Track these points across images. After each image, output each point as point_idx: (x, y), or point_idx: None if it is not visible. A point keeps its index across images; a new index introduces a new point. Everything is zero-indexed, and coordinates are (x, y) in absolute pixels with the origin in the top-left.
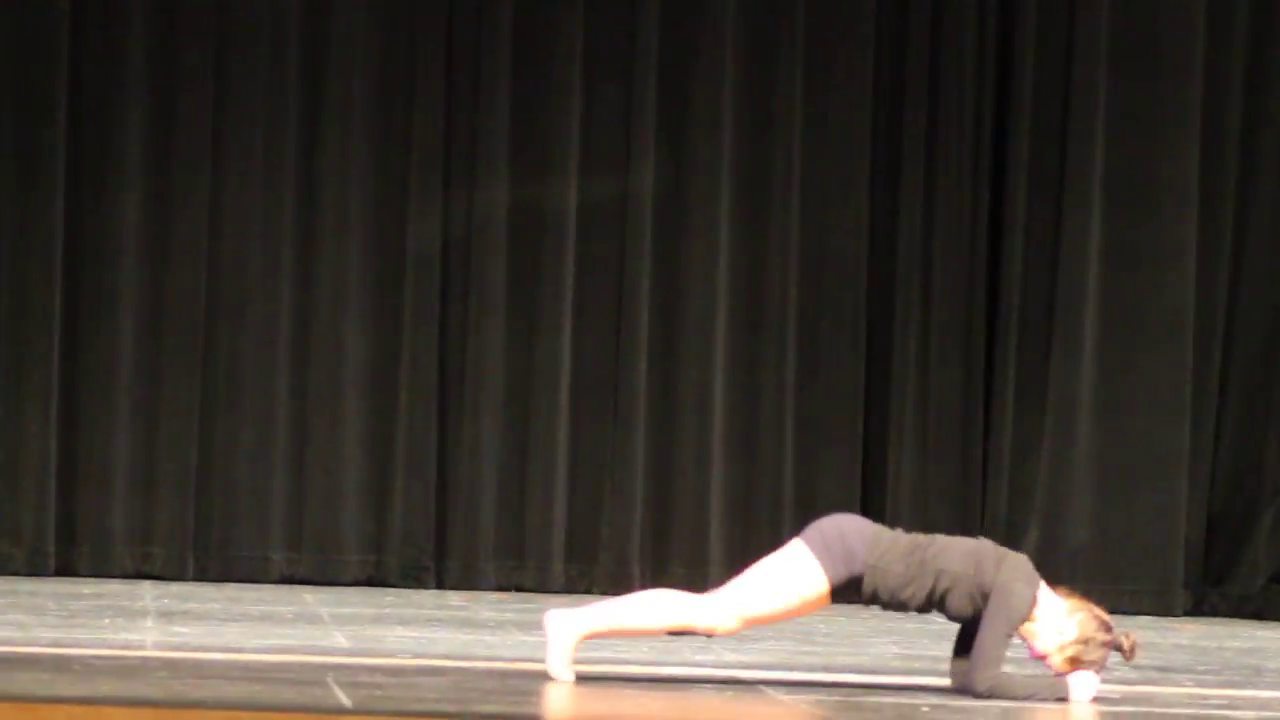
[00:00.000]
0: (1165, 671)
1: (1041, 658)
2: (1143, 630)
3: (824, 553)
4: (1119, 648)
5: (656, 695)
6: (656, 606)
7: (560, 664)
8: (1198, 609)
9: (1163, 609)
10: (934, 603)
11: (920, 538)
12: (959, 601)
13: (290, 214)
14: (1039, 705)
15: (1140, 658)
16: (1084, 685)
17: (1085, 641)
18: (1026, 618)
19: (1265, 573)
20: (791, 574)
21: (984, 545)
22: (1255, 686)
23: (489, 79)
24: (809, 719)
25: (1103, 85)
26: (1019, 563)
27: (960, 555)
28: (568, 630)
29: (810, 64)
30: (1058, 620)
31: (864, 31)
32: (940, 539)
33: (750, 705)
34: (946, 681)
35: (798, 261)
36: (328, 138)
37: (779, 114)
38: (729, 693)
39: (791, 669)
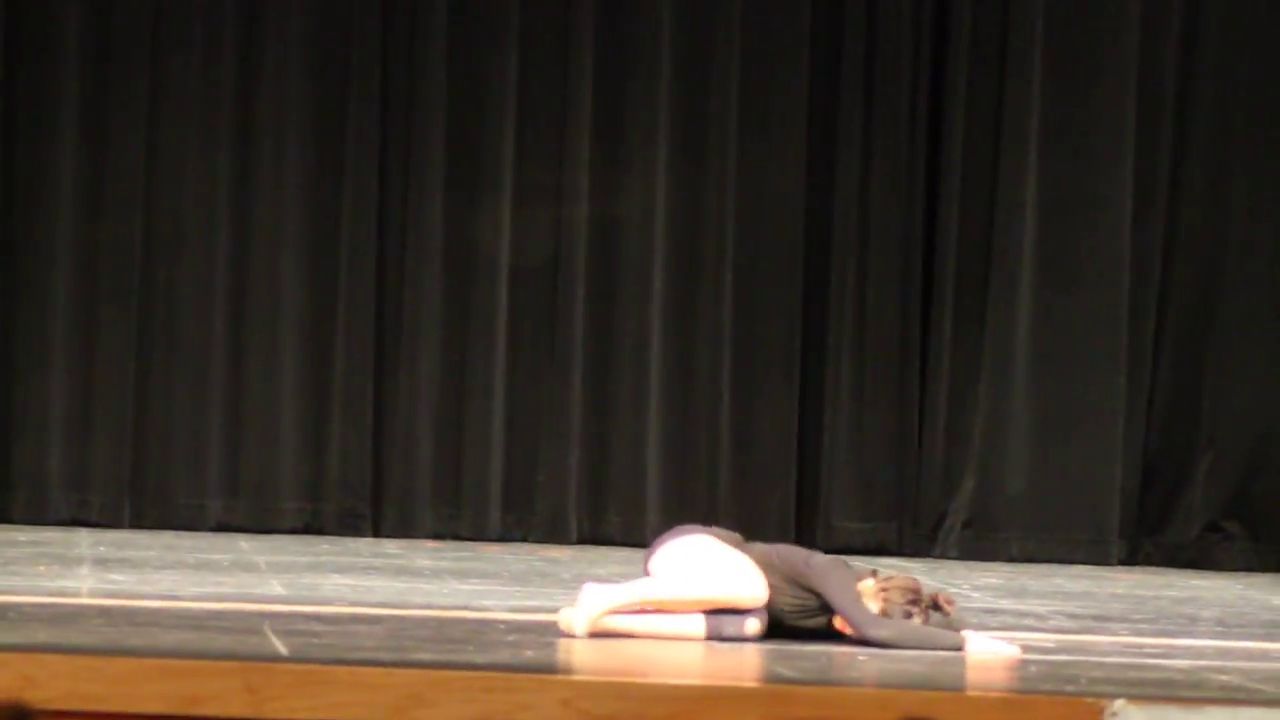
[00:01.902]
0: (1101, 620)
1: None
2: (1079, 579)
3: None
4: (934, 607)
5: (600, 644)
6: (691, 583)
7: (581, 621)
8: (1133, 558)
9: (1099, 558)
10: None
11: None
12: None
13: (226, 157)
14: (940, 652)
15: (953, 610)
16: (982, 641)
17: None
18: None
19: (1201, 522)
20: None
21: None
22: (1190, 635)
23: (424, 23)
24: (751, 669)
25: (1040, 28)
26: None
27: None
28: (600, 600)
29: (747, 9)
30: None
31: None
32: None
33: (680, 651)
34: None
35: (734, 209)
36: (264, 80)
37: (716, 63)
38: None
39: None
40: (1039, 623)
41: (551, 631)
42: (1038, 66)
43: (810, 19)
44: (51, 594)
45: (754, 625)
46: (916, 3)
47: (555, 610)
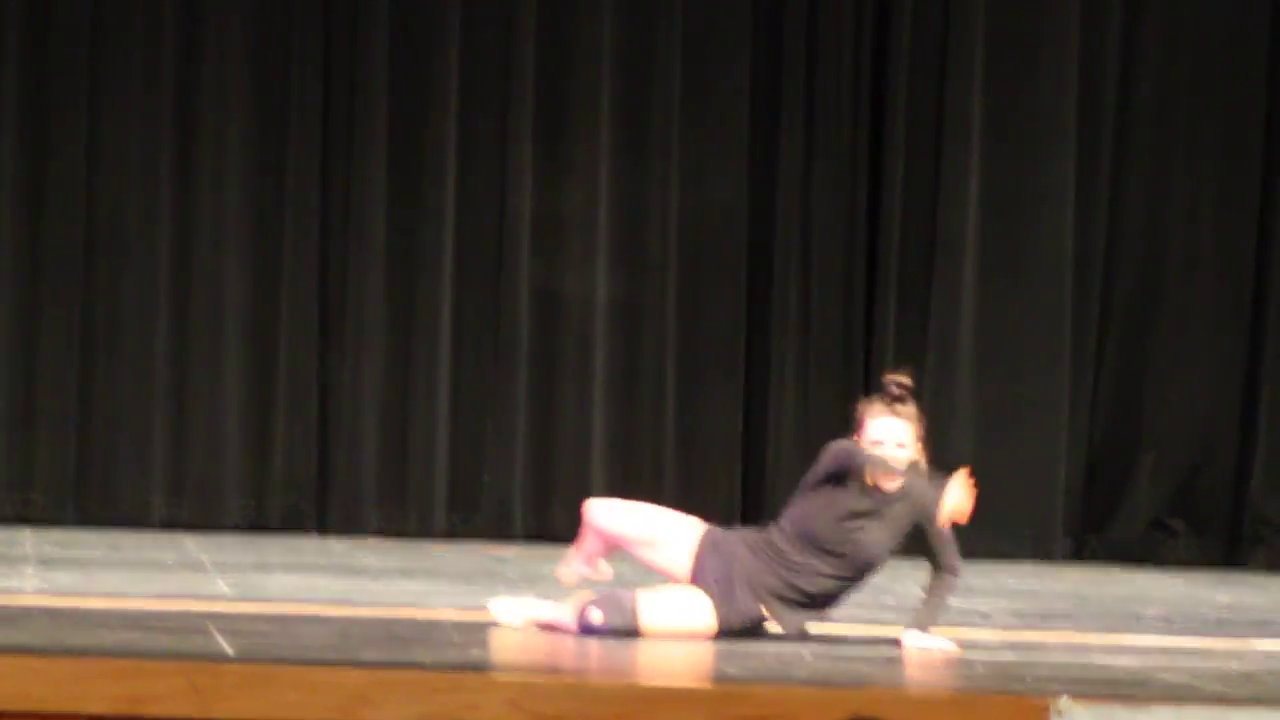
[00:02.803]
0: (1046, 618)
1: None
2: (1024, 577)
3: None
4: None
5: (547, 642)
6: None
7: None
8: (1078, 555)
9: (1043, 555)
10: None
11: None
12: None
13: (169, 154)
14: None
15: (893, 385)
16: (920, 638)
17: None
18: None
19: (1145, 518)
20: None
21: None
22: (1136, 631)
23: (366, 16)
24: (698, 668)
25: (981, 24)
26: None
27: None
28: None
29: (688, 8)
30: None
31: None
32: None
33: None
34: (828, 628)
35: (678, 204)
36: (205, 78)
37: (658, 62)
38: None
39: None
40: (984, 620)
41: (499, 630)
42: (979, 62)
43: (751, 17)
44: None
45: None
46: (857, 4)
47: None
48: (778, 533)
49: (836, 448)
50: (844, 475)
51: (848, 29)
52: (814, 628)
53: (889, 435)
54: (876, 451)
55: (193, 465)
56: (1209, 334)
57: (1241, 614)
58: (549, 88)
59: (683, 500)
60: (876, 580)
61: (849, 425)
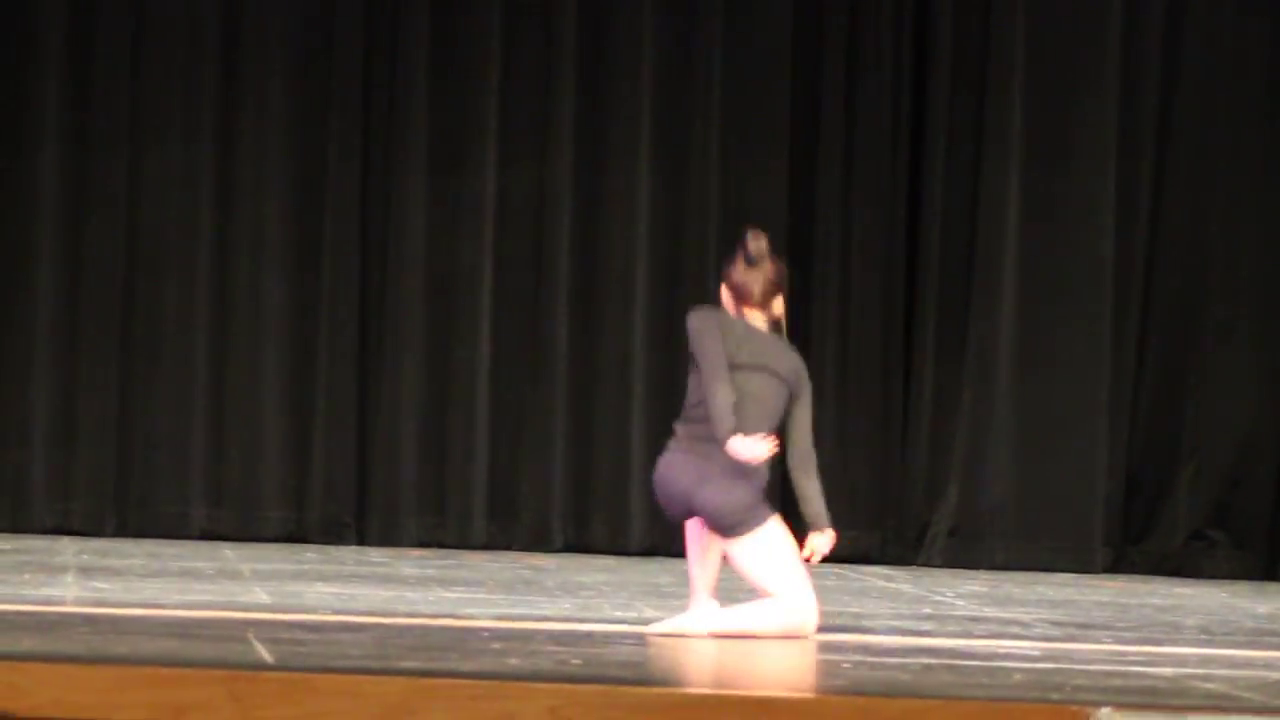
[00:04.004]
0: (1085, 628)
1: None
2: (1063, 587)
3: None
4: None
5: (586, 649)
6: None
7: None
8: (1118, 566)
9: (1083, 566)
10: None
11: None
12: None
13: (208, 169)
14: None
15: (753, 247)
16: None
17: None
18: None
19: (1184, 530)
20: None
21: None
22: (1174, 643)
23: (407, 34)
24: (737, 677)
25: (1020, 37)
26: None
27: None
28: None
29: (728, 30)
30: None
31: None
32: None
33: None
34: (868, 638)
35: (717, 217)
36: (246, 93)
37: (697, 82)
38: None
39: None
40: (1023, 630)
41: (537, 639)
42: (1019, 78)
43: (793, 24)
44: (36, 602)
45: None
46: (897, 17)
47: (541, 619)
48: (689, 424)
49: (689, 321)
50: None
51: (887, 45)
52: (851, 637)
53: (754, 289)
54: (744, 308)
55: (232, 476)
56: (1249, 346)
57: None
58: (589, 109)
59: None
60: (913, 591)
61: (887, 440)
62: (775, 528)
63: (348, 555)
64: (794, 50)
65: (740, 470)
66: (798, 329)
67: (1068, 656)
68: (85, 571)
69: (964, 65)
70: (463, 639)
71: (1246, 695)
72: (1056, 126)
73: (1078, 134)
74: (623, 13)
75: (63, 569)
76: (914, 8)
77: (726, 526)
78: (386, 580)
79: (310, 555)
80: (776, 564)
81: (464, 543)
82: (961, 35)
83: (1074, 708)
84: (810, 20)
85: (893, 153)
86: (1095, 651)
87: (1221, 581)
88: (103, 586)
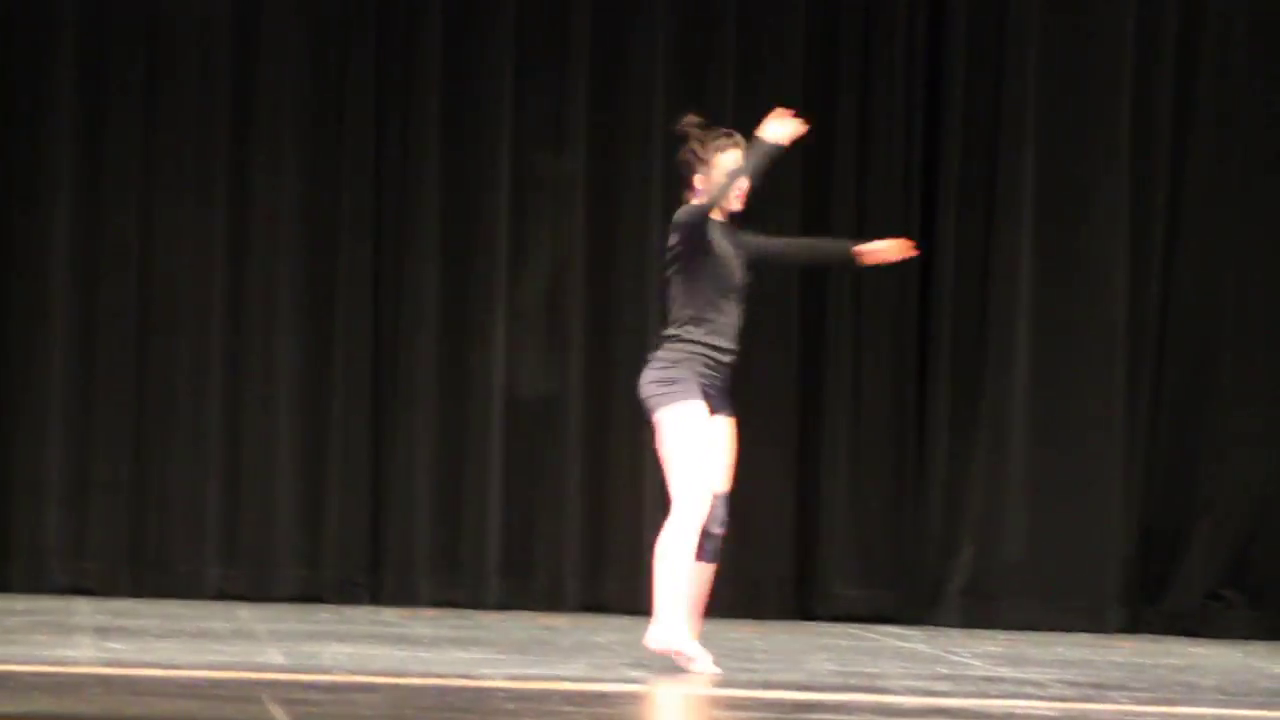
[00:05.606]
0: (1100, 689)
1: None
2: (1078, 647)
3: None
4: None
5: (600, 709)
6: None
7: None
8: (1133, 626)
9: (1098, 626)
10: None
11: None
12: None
13: (222, 226)
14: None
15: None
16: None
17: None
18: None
19: (1200, 589)
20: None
21: None
22: (1190, 704)
23: (420, 96)
24: None
25: (1032, 98)
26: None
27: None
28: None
29: (742, 65)
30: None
31: (795, 35)
32: None
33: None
34: (883, 698)
35: None
36: (258, 150)
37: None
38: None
39: (729, 686)
40: (1039, 690)
41: (552, 699)
42: (1031, 130)
43: (804, 80)
44: (51, 663)
45: None
46: (909, 69)
47: (555, 679)
48: (679, 332)
49: (679, 216)
50: (700, 235)
51: (899, 97)
52: (867, 697)
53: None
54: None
55: (246, 535)
56: (1263, 403)
57: None
58: (601, 169)
59: (736, 571)
60: (928, 650)
61: (902, 498)
62: (683, 413)
63: (362, 615)
64: (805, 108)
65: (665, 357)
66: (812, 387)
67: (1084, 717)
68: (100, 632)
69: (976, 117)
70: (478, 699)
71: None
72: (1069, 181)
73: (1089, 191)
74: (637, 52)
75: (78, 629)
76: (925, 65)
77: (641, 402)
78: (401, 640)
79: (324, 615)
80: (673, 449)
81: (478, 602)
82: (973, 90)
83: None
84: (823, 76)
85: (904, 211)
86: (1111, 712)
87: (1237, 641)
88: (118, 647)
